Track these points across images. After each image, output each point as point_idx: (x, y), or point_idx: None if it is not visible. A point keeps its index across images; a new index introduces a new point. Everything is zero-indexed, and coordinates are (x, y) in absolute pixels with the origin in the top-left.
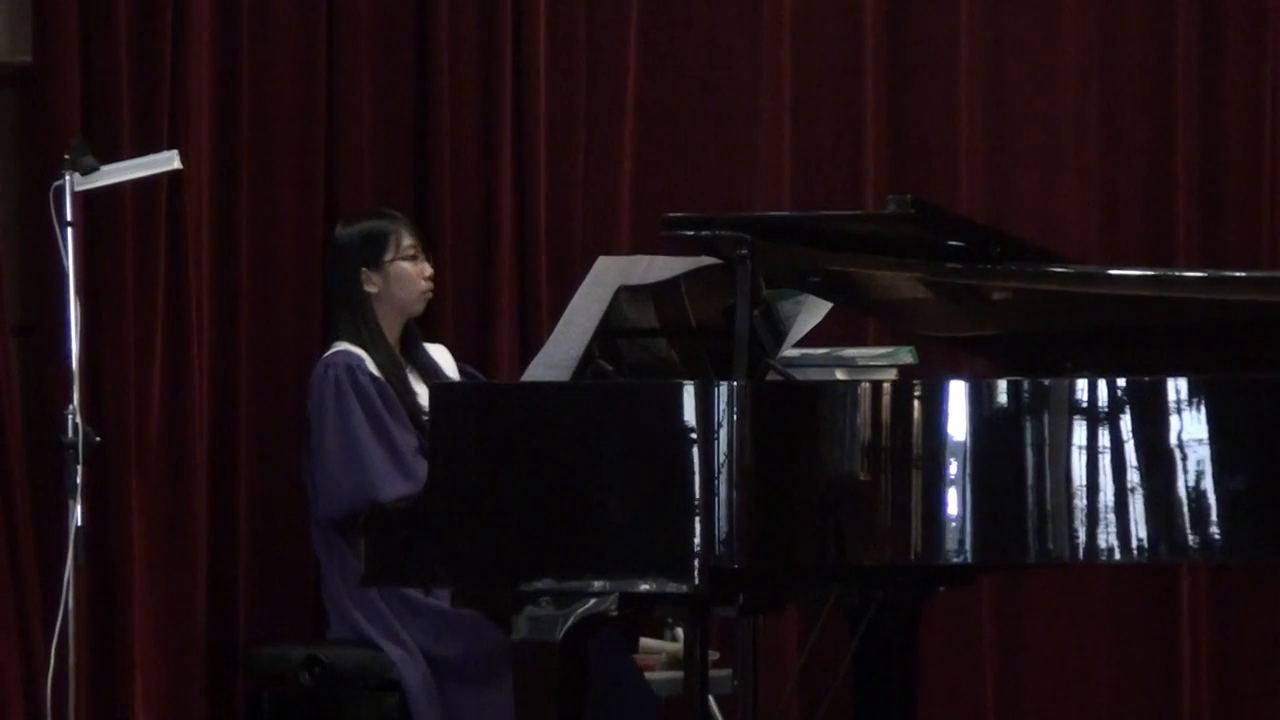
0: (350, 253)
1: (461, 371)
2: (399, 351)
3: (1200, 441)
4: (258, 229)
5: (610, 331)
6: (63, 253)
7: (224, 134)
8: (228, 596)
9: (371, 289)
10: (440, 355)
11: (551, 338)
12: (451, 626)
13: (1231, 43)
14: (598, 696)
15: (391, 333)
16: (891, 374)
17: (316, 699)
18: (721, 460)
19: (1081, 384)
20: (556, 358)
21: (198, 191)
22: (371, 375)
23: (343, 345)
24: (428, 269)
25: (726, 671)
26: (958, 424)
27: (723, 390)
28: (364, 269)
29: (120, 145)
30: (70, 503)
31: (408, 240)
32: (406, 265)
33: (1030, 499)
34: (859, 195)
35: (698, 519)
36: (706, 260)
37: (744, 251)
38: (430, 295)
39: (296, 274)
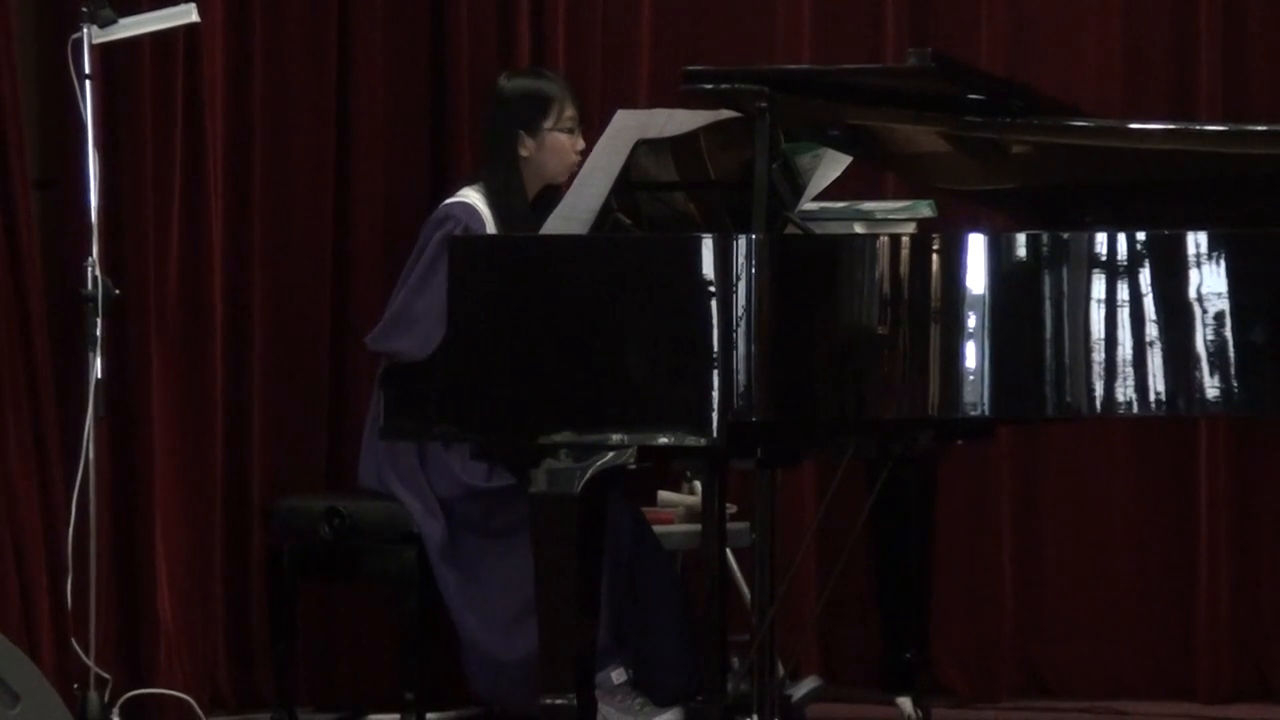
0: (513, 113)
1: None
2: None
3: (1219, 295)
4: (271, 81)
5: (629, 185)
6: (81, 106)
7: None
8: (244, 448)
9: (524, 153)
10: None
11: (570, 191)
12: (476, 485)
13: None
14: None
15: (530, 194)
16: (910, 227)
17: (336, 551)
18: (740, 314)
19: (1101, 237)
20: (575, 211)
21: (212, 45)
22: None
23: (472, 198)
24: (581, 143)
25: (744, 525)
26: (976, 277)
27: (741, 244)
28: (522, 132)
29: None
30: (90, 355)
31: (570, 111)
32: (563, 137)
33: (1049, 352)
34: (878, 49)
35: (716, 372)
36: (726, 114)
37: (763, 105)
38: (576, 169)
39: (309, 126)
